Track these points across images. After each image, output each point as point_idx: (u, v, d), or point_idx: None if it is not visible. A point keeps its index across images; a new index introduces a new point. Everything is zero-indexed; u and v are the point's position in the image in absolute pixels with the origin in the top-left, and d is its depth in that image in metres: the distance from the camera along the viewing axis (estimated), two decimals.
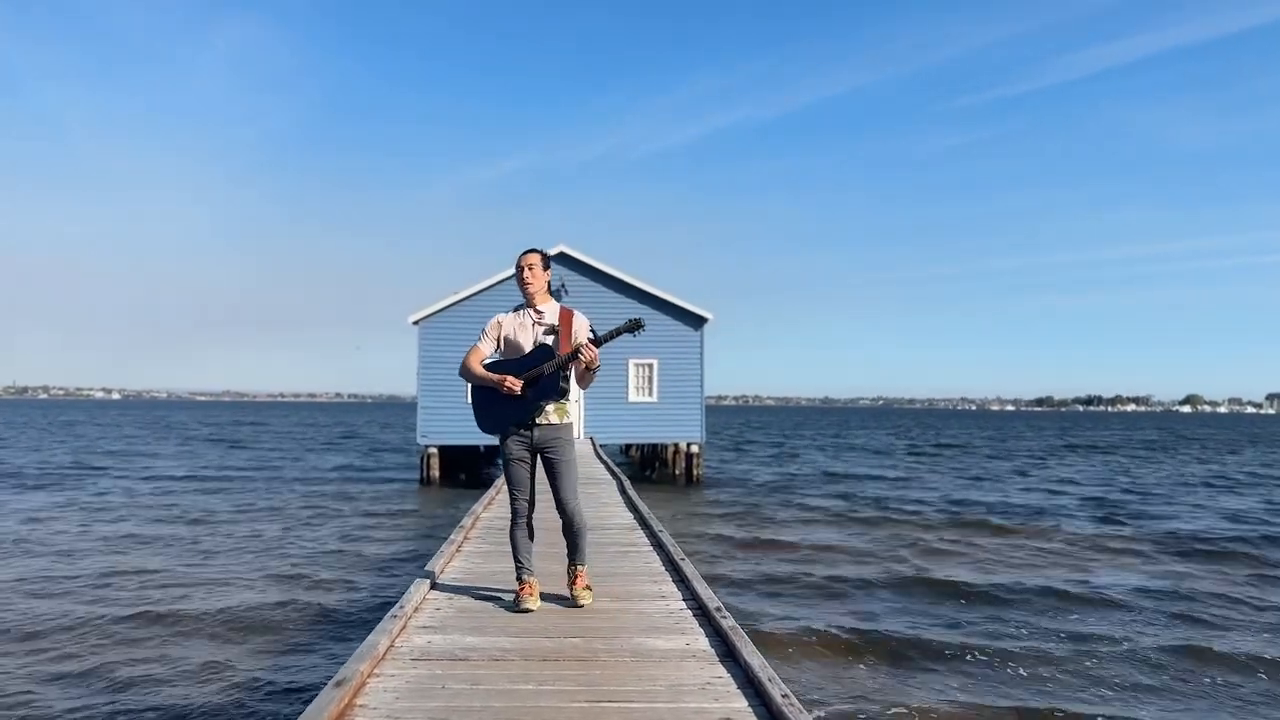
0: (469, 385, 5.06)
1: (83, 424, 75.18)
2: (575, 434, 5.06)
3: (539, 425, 4.91)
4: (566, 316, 4.97)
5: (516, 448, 4.95)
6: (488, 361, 4.98)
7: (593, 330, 4.97)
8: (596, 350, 4.76)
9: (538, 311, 4.96)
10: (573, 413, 5.10)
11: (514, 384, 4.79)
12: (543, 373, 4.82)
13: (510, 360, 4.93)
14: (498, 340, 4.98)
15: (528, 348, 4.91)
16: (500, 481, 11.65)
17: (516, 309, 5.04)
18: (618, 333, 4.91)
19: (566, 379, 4.88)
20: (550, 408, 4.90)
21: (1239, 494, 25.40)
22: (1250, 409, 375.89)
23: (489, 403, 4.96)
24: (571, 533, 5.03)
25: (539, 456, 4.99)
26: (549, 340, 4.90)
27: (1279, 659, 8.60)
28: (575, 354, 4.77)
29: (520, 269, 4.96)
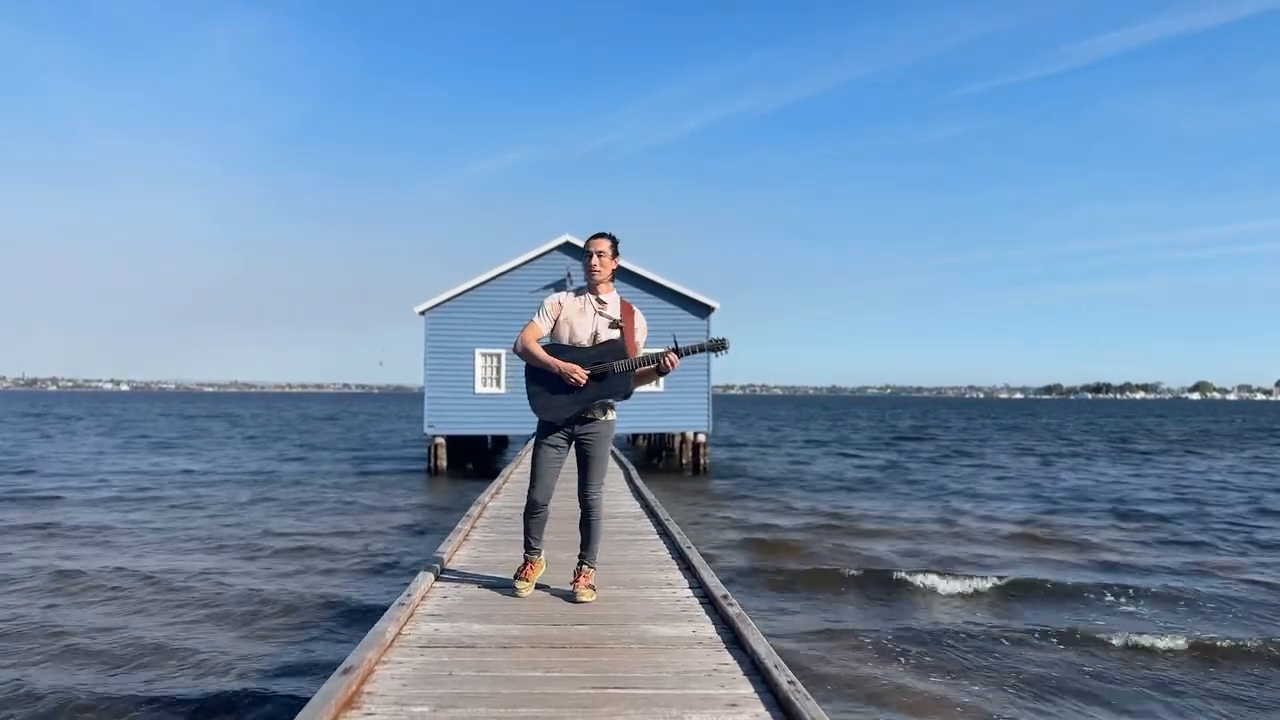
0: (525, 363, 4.88)
1: (86, 415, 75.46)
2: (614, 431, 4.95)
3: (584, 420, 4.80)
4: (628, 312, 4.85)
5: (557, 436, 4.84)
6: (546, 344, 4.82)
7: (675, 340, 4.83)
8: (679, 361, 4.65)
9: (600, 301, 4.83)
10: (614, 410, 4.94)
11: (582, 376, 4.65)
12: (612, 369, 4.68)
13: (576, 349, 4.75)
14: (556, 321, 4.81)
15: (584, 334, 4.76)
16: (508, 471, 11.70)
17: (578, 292, 4.89)
18: (700, 349, 4.75)
19: (632, 380, 4.74)
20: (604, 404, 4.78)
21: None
22: (1260, 396, 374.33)
23: (547, 387, 4.77)
24: (588, 526, 4.98)
25: (574, 446, 4.90)
26: (614, 334, 4.76)
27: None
28: (653, 360, 4.66)
29: (590, 252, 4.82)
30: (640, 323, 4.86)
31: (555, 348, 4.78)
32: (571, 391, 4.72)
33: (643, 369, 4.72)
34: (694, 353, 4.73)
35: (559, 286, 24.31)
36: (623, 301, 4.90)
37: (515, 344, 4.84)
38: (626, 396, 4.76)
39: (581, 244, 25.36)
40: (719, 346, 4.74)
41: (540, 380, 4.80)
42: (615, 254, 4.86)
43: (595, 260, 4.80)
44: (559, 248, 25.21)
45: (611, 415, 4.89)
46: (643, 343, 4.88)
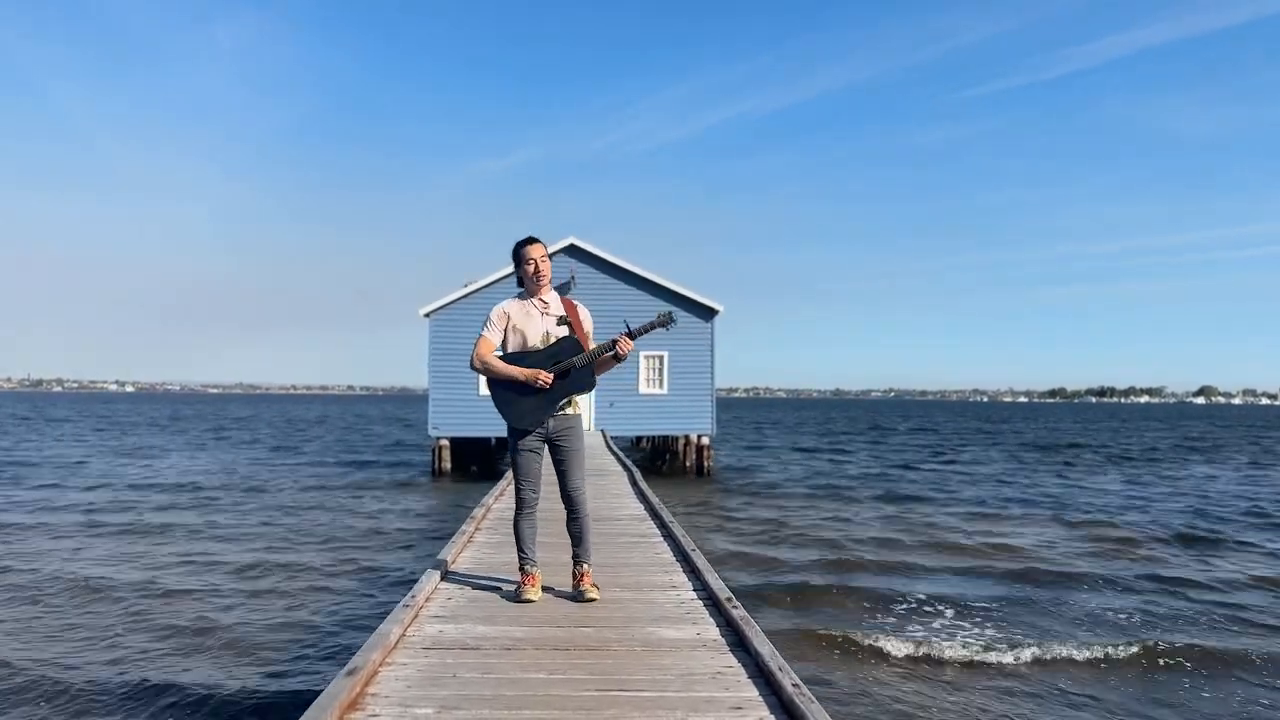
0: (484, 377, 4.92)
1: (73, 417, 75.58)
2: (585, 425, 5.05)
3: (555, 416, 4.88)
4: (571, 306, 4.96)
5: (532, 438, 4.89)
6: (500, 354, 4.89)
7: (626, 323, 4.94)
8: (632, 343, 4.77)
9: (543, 301, 4.91)
10: (582, 404, 5.09)
11: (547, 379, 4.72)
12: (574, 365, 4.77)
13: (534, 352, 4.82)
14: (505, 330, 4.88)
15: (536, 337, 4.84)
16: (511, 473, 11.72)
17: (519, 298, 4.96)
18: (651, 327, 4.88)
19: (593, 371, 4.86)
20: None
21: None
22: (1265, 400, 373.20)
23: (515, 395, 4.82)
24: (577, 523, 5.00)
25: (549, 446, 4.97)
26: (562, 330, 4.87)
27: None
28: (610, 346, 4.76)
29: (530, 261, 4.85)
30: (585, 314, 5.01)
31: (512, 356, 4.85)
32: (539, 395, 4.79)
33: (601, 358, 4.83)
34: (645, 332, 4.87)
35: (564, 289, 24.34)
36: (564, 299, 5.00)
37: (471, 361, 4.89)
38: (591, 388, 4.90)
39: (585, 246, 25.49)
40: (667, 321, 4.91)
41: (507, 389, 4.85)
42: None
43: (541, 266, 4.88)
44: (564, 250, 25.24)
45: (577, 410, 5.01)
46: (590, 333, 5.00)
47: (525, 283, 4.92)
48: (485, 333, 4.87)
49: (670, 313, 4.95)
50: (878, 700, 7.16)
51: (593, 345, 4.90)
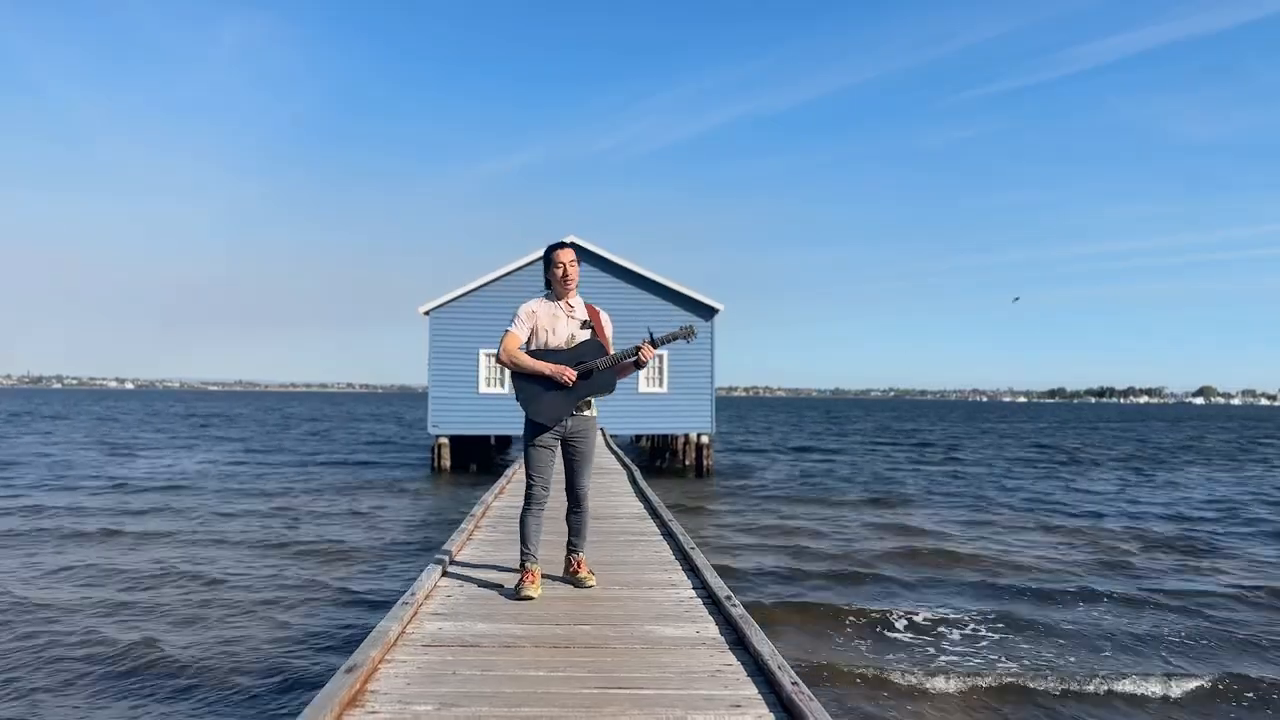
0: (510, 371, 5.04)
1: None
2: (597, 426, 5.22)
3: (573, 416, 5.03)
4: (594, 312, 5.11)
5: (549, 435, 5.02)
6: (526, 350, 4.99)
7: (649, 331, 5.08)
8: (654, 351, 4.92)
9: (569, 304, 5.06)
10: (595, 405, 5.24)
11: (572, 375, 4.85)
12: (596, 367, 4.91)
13: (558, 352, 4.95)
14: (532, 328, 5.00)
15: (560, 338, 4.98)
16: (511, 471, 11.69)
17: (545, 298, 5.08)
18: (673, 338, 5.08)
19: (614, 374, 5.00)
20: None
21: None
22: (1264, 401, 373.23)
23: (539, 390, 4.93)
24: (578, 517, 5.20)
25: (562, 445, 5.11)
26: (586, 334, 5.01)
27: None
28: (633, 352, 4.91)
29: (559, 264, 4.98)
30: (607, 320, 5.18)
31: (537, 353, 4.96)
32: (562, 392, 4.92)
33: (623, 363, 5.00)
34: (668, 342, 5.05)
35: None
36: (587, 304, 5.15)
37: (499, 355, 5.01)
38: (611, 391, 5.03)
39: (586, 245, 25.47)
40: (689, 334, 5.14)
41: (532, 384, 4.96)
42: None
43: (570, 270, 5.00)
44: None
45: (595, 411, 5.16)
46: (611, 338, 5.16)
47: (553, 285, 5.05)
48: (512, 328, 5.00)
49: (691, 326, 5.20)
50: (870, 708, 7.17)
51: (614, 350, 5.03)
